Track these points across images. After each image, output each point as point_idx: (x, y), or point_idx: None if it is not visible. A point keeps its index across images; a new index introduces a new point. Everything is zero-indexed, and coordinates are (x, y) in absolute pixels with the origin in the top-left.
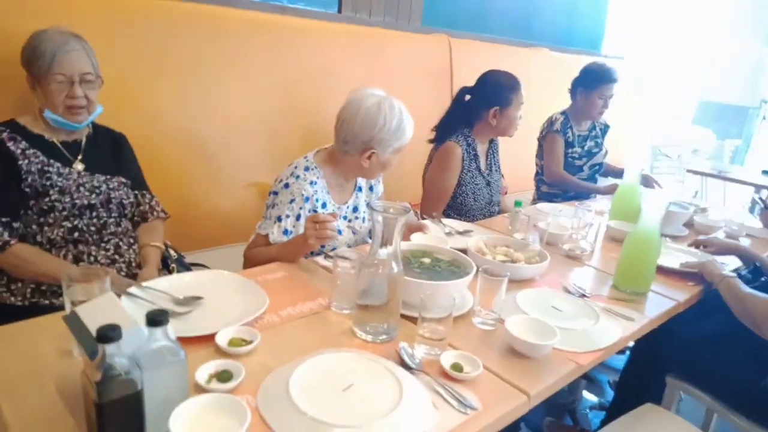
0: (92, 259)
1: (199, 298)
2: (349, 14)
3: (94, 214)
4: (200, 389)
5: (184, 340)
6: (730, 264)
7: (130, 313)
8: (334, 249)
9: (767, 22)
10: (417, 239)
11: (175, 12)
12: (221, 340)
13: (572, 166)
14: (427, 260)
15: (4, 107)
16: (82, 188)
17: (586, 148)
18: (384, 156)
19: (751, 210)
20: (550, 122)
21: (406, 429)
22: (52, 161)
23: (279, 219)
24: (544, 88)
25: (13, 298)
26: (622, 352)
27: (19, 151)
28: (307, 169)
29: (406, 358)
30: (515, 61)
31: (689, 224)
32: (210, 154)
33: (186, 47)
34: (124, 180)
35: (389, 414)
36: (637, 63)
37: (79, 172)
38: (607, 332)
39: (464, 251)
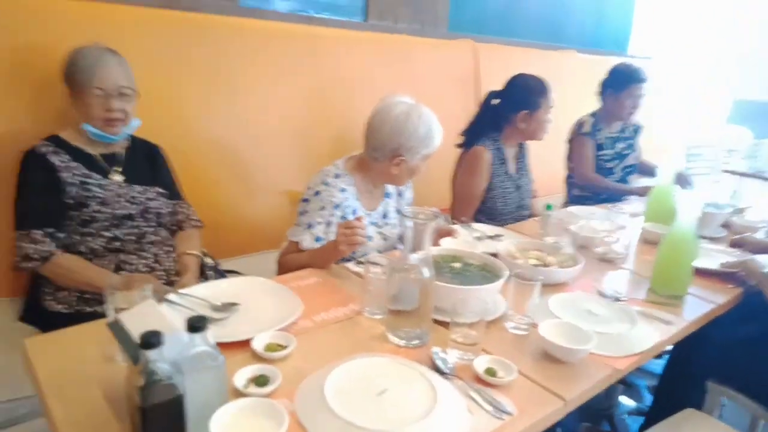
0: (132, 267)
1: (235, 304)
2: (374, 22)
3: (133, 223)
4: (238, 393)
5: (222, 346)
6: None
7: (170, 320)
8: (364, 255)
9: None
10: (447, 244)
11: (206, 26)
12: (258, 345)
13: (603, 168)
14: (457, 265)
15: (45, 121)
16: (120, 199)
17: (616, 150)
18: (413, 163)
19: None
20: (579, 125)
21: None
22: (92, 173)
23: (310, 226)
24: (572, 91)
25: (59, 306)
26: (659, 356)
27: (61, 164)
28: (337, 176)
29: (439, 363)
30: (543, 65)
31: (727, 225)
32: (242, 163)
33: (218, 59)
34: (160, 190)
35: (424, 419)
36: (666, 63)
37: (117, 184)
38: (644, 336)
39: (495, 256)
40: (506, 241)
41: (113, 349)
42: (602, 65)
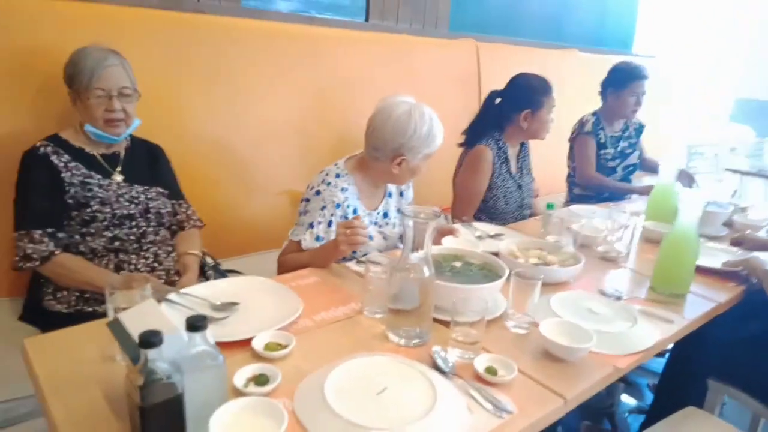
0: (132, 267)
1: (235, 303)
2: (376, 22)
3: (134, 223)
4: (238, 393)
5: (222, 345)
6: None
7: (170, 319)
8: (365, 255)
9: None
10: (448, 243)
11: (207, 26)
12: (258, 344)
13: (605, 167)
14: (458, 264)
15: (47, 121)
16: (121, 199)
17: (619, 149)
18: (414, 162)
19: None
20: (581, 124)
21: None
22: (92, 173)
23: (311, 226)
24: (575, 90)
25: (59, 306)
26: (661, 354)
27: (61, 164)
28: (338, 175)
29: (439, 362)
30: (544, 64)
31: (729, 224)
32: (242, 163)
33: (218, 59)
34: (161, 190)
35: (423, 417)
36: (669, 61)
37: (118, 184)
38: (645, 335)
39: (496, 255)
40: (507, 240)
41: (113, 348)
42: (605, 64)
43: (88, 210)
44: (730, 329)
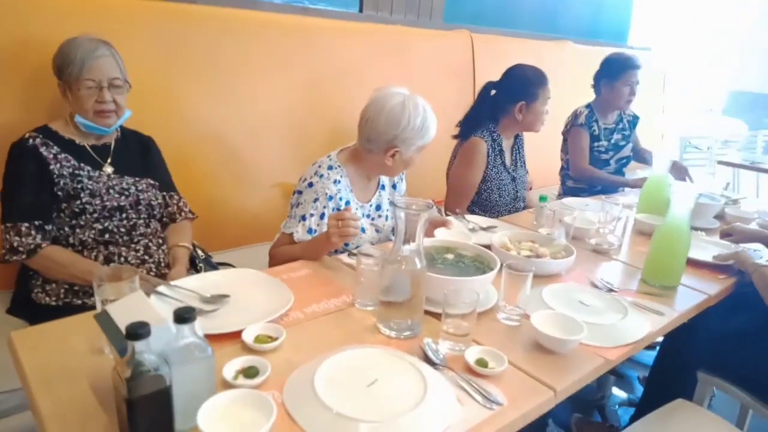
0: (122, 259)
1: (225, 296)
2: (370, 13)
3: (124, 215)
4: (227, 385)
5: (212, 338)
6: (766, 254)
7: (158, 311)
8: (357, 247)
9: None
10: (440, 235)
11: (199, 16)
12: (248, 337)
13: (598, 160)
14: (450, 256)
15: (37, 113)
16: (111, 191)
17: (612, 141)
18: (407, 154)
19: None
20: (575, 116)
21: (431, 424)
22: (82, 165)
23: (303, 218)
24: (569, 82)
25: (47, 299)
26: (651, 347)
27: (51, 156)
28: (330, 167)
29: (430, 354)
30: (539, 56)
31: (721, 217)
32: (235, 156)
33: (210, 50)
34: (152, 182)
35: (414, 409)
36: (664, 54)
37: (108, 175)
38: (635, 327)
39: (488, 247)
40: (500, 232)
41: (101, 341)
42: (599, 56)
43: (78, 202)
44: (721, 322)
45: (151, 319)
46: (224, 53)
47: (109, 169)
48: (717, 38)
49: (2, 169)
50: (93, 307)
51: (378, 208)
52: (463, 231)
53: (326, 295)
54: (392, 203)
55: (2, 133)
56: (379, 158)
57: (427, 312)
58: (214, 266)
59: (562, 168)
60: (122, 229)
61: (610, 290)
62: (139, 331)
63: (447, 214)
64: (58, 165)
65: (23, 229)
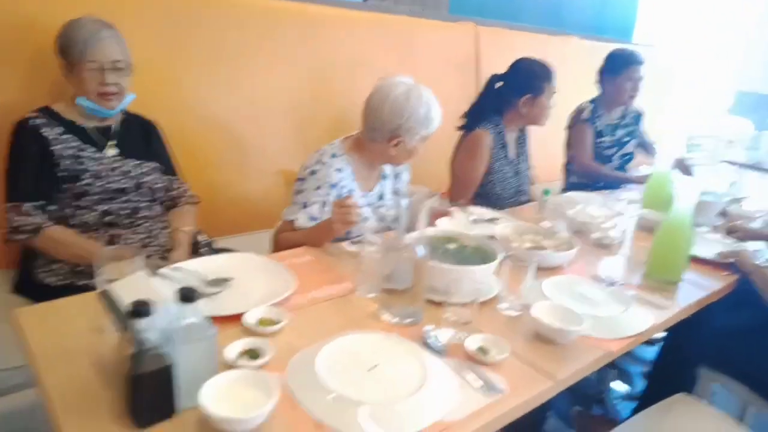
0: (126, 242)
1: (228, 279)
2: (375, 2)
3: (126, 198)
4: (229, 366)
5: (214, 320)
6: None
7: (161, 291)
8: (359, 236)
9: None
10: (443, 225)
11: (204, 1)
12: (250, 319)
13: (602, 155)
14: (452, 246)
15: (39, 95)
16: (113, 173)
17: (616, 137)
18: (411, 144)
19: None
20: (579, 111)
21: (431, 409)
22: (85, 146)
23: (305, 205)
24: (573, 78)
25: (51, 278)
26: (652, 343)
27: (53, 137)
28: (333, 156)
29: (431, 341)
30: (544, 50)
31: (724, 214)
32: (238, 142)
33: (215, 36)
34: (154, 165)
35: (414, 394)
36: (669, 51)
37: (111, 157)
38: (637, 320)
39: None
40: (502, 224)
41: (103, 320)
42: (604, 52)
43: (80, 183)
44: (724, 318)
45: (154, 298)
46: (229, 39)
47: (111, 151)
48: (723, 37)
49: (5, 150)
50: (95, 288)
51: (381, 197)
52: (465, 222)
53: (328, 281)
54: (396, 191)
55: (4, 113)
56: (382, 147)
57: (428, 300)
58: (216, 251)
59: (566, 163)
60: (125, 212)
61: (612, 284)
62: (141, 309)
63: (450, 205)
64: (60, 146)
65: (25, 209)
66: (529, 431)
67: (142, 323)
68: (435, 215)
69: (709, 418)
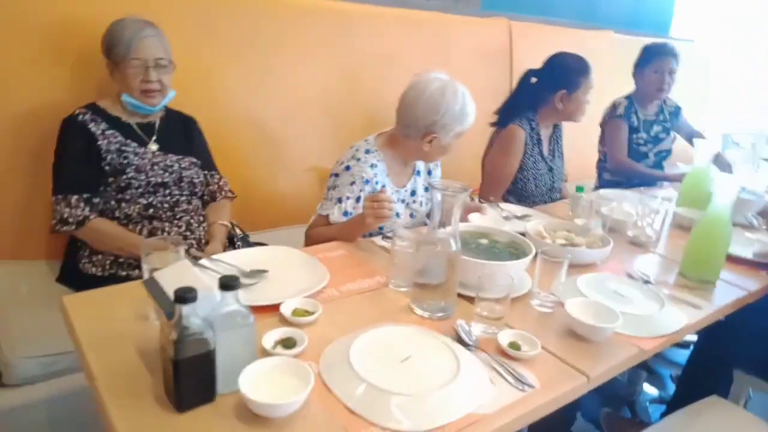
0: (165, 234)
1: (264, 271)
2: None
3: (167, 191)
4: (266, 353)
5: (251, 309)
6: None
7: (203, 279)
8: (391, 231)
9: None
10: (474, 221)
11: (241, 1)
12: (286, 309)
13: (637, 152)
14: (484, 241)
15: (86, 91)
16: (155, 167)
17: (652, 133)
18: (445, 140)
19: None
20: (614, 107)
21: (463, 401)
22: (128, 141)
23: (339, 200)
24: (608, 73)
25: (94, 269)
26: (685, 346)
27: (99, 132)
28: (367, 151)
29: (463, 335)
30: (578, 45)
31: (764, 213)
32: (273, 139)
33: (251, 34)
34: (194, 160)
35: (446, 386)
36: (708, 46)
37: (153, 152)
38: (672, 319)
39: (522, 235)
40: (535, 221)
41: (145, 308)
42: (640, 47)
43: (124, 177)
44: (761, 320)
45: (196, 285)
46: (264, 37)
47: (153, 146)
48: (765, 32)
49: (54, 144)
50: (137, 279)
51: (413, 193)
52: (496, 218)
53: (360, 275)
54: (429, 185)
55: (54, 110)
56: (416, 143)
57: (459, 295)
58: (251, 245)
59: (600, 160)
60: (165, 205)
61: (647, 282)
62: (186, 295)
63: (481, 202)
64: (105, 141)
65: (73, 201)
66: (557, 430)
67: (186, 309)
68: (467, 211)
69: (744, 422)
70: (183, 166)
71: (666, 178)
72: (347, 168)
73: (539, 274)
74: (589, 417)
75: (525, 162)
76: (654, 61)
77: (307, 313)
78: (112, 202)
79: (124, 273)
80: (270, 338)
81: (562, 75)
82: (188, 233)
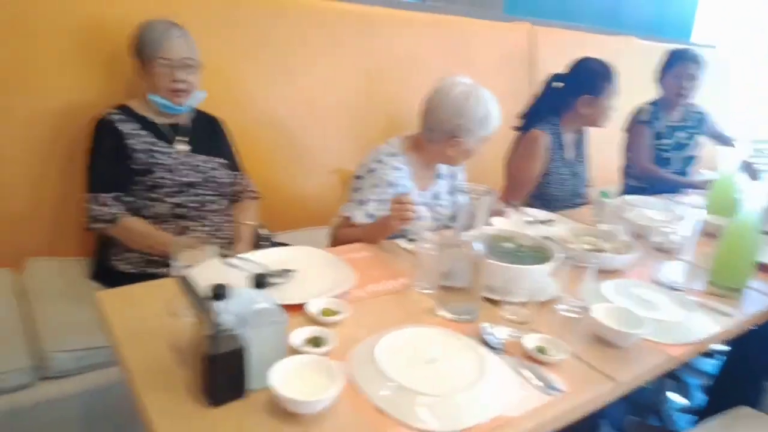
0: (193, 233)
1: (291, 270)
2: (430, 3)
3: (196, 191)
4: (294, 351)
5: None
6: None
7: (234, 277)
8: (415, 234)
9: None
10: (498, 224)
11: (265, 3)
12: (313, 308)
13: (661, 158)
14: (509, 245)
15: (115, 92)
16: (184, 167)
17: (676, 139)
18: (469, 144)
19: None
20: (638, 112)
21: (490, 403)
22: (158, 141)
23: (362, 203)
24: (631, 79)
25: (125, 266)
26: (710, 355)
27: (128, 132)
28: (391, 154)
29: (488, 338)
30: (601, 50)
31: None
32: (296, 140)
33: (275, 37)
34: (221, 161)
35: (473, 387)
36: (730, 52)
37: (182, 152)
38: (701, 326)
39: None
40: (559, 226)
41: (176, 304)
42: (663, 52)
43: (153, 176)
44: None
45: (228, 283)
46: (288, 40)
47: (182, 146)
48: None
49: (84, 144)
50: (166, 276)
51: (436, 196)
52: (519, 222)
53: (385, 276)
54: (456, 188)
55: (86, 110)
56: (440, 147)
57: (484, 298)
58: (276, 245)
59: (624, 166)
60: (193, 205)
61: (674, 288)
62: (220, 292)
63: (504, 206)
64: (134, 140)
65: (104, 199)
66: None
67: (219, 306)
68: (491, 214)
69: None
70: (211, 166)
71: (691, 184)
72: (371, 170)
73: (565, 280)
74: (615, 425)
75: (548, 167)
76: (675, 67)
77: (334, 312)
78: (142, 201)
79: (153, 271)
80: (298, 336)
81: (587, 80)
82: (216, 232)
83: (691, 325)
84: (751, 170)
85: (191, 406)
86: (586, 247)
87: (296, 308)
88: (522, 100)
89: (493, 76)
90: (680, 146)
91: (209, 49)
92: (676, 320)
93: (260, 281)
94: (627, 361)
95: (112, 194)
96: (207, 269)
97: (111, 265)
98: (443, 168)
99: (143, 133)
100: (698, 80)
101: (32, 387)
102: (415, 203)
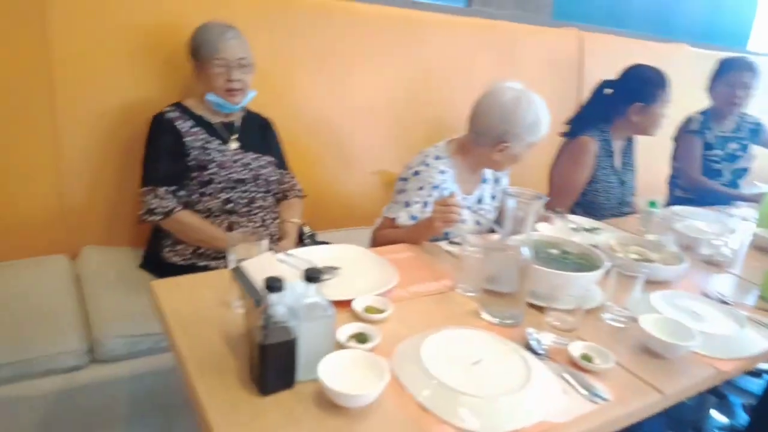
0: (242, 228)
1: (336, 267)
2: (478, 8)
3: (245, 188)
4: (341, 347)
5: None
6: None
7: (286, 271)
8: (457, 237)
9: None
10: (543, 230)
11: (314, 7)
12: (358, 306)
13: (711, 169)
14: (555, 251)
15: (172, 91)
16: (235, 164)
17: (727, 150)
18: (516, 150)
19: None
20: (688, 121)
21: (534, 408)
22: (212, 138)
23: (407, 204)
24: (682, 87)
25: (175, 258)
26: (757, 375)
27: (185, 129)
28: (437, 158)
29: (533, 343)
30: (651, 57)
31: None
32: (340, 142)
33: (323, 40)
34: (270, 159)
35: (517, 391)
36: None
37: (233, 150)
38: (752, 341)
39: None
40: (605, 234)
41: (228, 295)
42: (715, 61)
43: (207, 172)
44: None
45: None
46: (336, 44)
47: (234, 144)
48: None
49: (141, 139)
50: (215, 269)
51: (480, 200)
52: (564, 230)
53: (428, 277)
54: (504, 191)
55: (144, 107)
56: (487, 152)
57: (529, 304)
58: (318, 243)
59: (671, 176)
60: (243, 201)
61: (724, 302)
62: (275, 284)
63: (550, 213)
64: (190, 137)
65: (161, 193)
66: None
67: (273, 298)
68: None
69: None
70: (260, 164)
71: (742, 197)
72: (416, 173)
73: (612, 289)
74: None
75: (596, 174)
76: (727, 75)
77: (378, 310)
78: (195, 196)
79: (203, 263)
80: (344, 332)
81: (639, 87)
82: (263, 228)
83: (741, 340)
84: None
85: (242, 394)
86: (634, 256)
87: (341, 304)
88: (569, 107)
89: (541, 81)
90: (732, 157)
91: (264, 52)
92: (726, 334)
93: (311, 276)
94: (674, 373)
95: (168, 188)
96: (261, 262)
97: (162, 256)
98: (488, 172)
99: (198, 130)
100: (752, 89)
101: (85, 369)
102: (460, 204)
